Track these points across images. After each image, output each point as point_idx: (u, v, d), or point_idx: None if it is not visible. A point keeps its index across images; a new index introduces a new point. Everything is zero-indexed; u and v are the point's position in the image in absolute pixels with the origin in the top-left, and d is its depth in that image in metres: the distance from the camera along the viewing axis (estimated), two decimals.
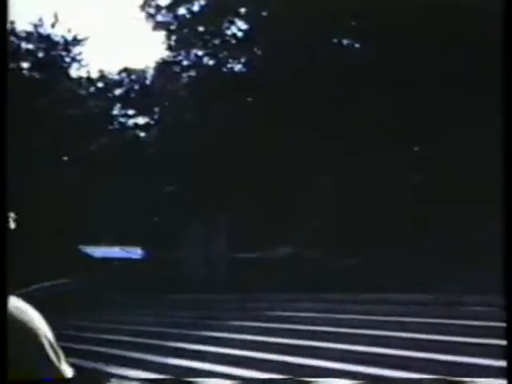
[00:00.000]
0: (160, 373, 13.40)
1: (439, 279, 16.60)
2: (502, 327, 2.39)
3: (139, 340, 16.56)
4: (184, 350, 14.93)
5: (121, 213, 27.58)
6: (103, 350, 16.18)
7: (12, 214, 1.77)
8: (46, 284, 23.10)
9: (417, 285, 16.30)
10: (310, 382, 7.34)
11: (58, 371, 1.85)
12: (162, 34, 29.75)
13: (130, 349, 15.84)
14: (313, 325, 15.02)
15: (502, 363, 2.86)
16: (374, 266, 20.54)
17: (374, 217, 22.47)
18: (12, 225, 1.79)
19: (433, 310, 14.11)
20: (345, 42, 26.93)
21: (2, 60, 1.76)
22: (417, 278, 17.44)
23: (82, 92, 33.67)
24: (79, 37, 33.43)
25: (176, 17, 29.37)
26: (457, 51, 20.85)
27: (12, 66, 30.31)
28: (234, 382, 9.94)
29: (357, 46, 25.85)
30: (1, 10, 1.75)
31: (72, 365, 2.04)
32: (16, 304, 1.80)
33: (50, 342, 1.86)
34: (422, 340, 12.49)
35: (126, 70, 36.23)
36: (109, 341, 17.07)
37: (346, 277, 19.80)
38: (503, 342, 2.41)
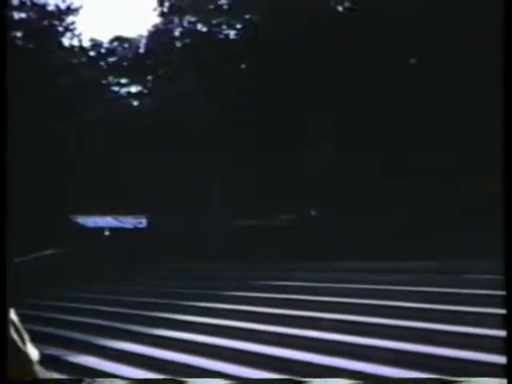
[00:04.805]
0: (152, 345, 13.01)
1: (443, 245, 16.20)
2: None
3: (127, 311, 16.20)
4: (178, 321, 14.53)
5: (113, 182, 27.14)
6: (94, 321, 15.79)
7: None
8: (36, 254, 22.69)
9: (419, 252, 15.85)
10: None
11: (22, 353, 1.91)
12: (154, 0, 29.22)
13: (119, 320, 15.45)
14: (312, 294, 14.61)
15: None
16: (377, 233, 20.15)
17: (376, 182, 22.02)
18: None
19: (436, 278, 13.69)
20: (344, 5, 26.20)
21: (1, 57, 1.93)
22: (419, 244, 17.04)
23: (75, 61, 33.07)
24: (72, 5, 32.79)
25: None
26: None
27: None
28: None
29: (357, 9, 25.08)
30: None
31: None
32: None
33: (14, 325, 1.92)
34: (425, 310, 12.05)
35: (118, 38, 35.51)
36: (98, 312, 16.69)
37: (346, 245, 19.40)
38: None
